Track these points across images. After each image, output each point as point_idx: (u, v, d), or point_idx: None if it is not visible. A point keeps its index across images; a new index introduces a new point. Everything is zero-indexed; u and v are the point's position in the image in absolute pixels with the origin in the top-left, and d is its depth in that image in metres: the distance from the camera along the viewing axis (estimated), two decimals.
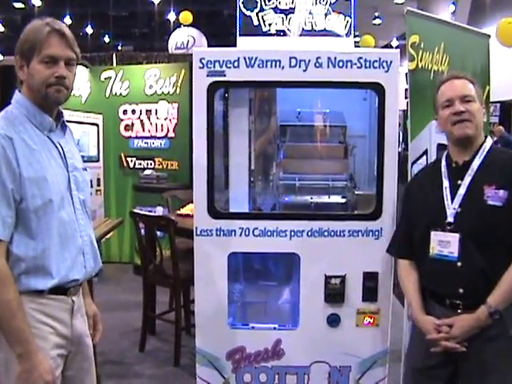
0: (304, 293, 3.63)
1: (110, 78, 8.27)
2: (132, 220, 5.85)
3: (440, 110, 3.08)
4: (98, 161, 8.33)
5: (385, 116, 3.60)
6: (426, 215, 3.08)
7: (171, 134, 8.13)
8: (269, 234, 3.65)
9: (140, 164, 8.25)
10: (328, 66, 3.58)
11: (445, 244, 2.93)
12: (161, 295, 6.20)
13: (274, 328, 3.68)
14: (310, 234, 3.64)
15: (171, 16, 18.40)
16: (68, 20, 18.30)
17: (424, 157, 3.90)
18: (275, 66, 3.57)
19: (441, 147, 3.90)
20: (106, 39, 21.74)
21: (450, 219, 2.96)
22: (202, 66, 3.59)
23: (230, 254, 3.58)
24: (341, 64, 3.58)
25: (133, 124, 8.24)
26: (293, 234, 3.64)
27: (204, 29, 16.01)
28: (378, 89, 3.59)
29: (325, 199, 4.10)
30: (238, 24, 3.79)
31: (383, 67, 3.58)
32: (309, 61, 3.57)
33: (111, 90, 8.27)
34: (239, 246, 3.61)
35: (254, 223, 3.57)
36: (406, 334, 3.60)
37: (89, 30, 20.29)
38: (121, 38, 22.19)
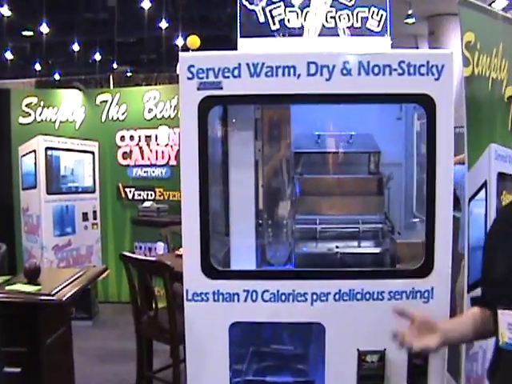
0: (330, 374, 2.80)
1: (106, 101, 7.52)
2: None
3: None
4: (93, 192, 7.56)
5: (436, 139, 2.59)
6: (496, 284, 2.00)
7: (173, 162, 7.35)
8: (283, 298, 2.74)
9: (139, 195, 7.45)
10: (359, 74, 2.63)
11: None
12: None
13: None
14: (337, 297, 2.72)
15: (179, 41, 17.53)
16: (76, 47, 17.55)
17: (482, 191, 2.86)
18: (289, 74, 2.64)
19: (503, 177, 2.88)
20: (114, 65, 20.99)
21: None
22: (191, 76, 2.64)
23: (232, 325, 2.78)
24: (376, 70, 2.61)
25: (131, 151, 7.51)
26: (315, 297, 2.74)
27: None
28: (427, 102, 2.62)
29: (354, 248, 3.06)
30: (238, 22, 2.78)
31: (432, 73, 2.64)
32: (333, 67, 2.61)
33: (107, 115, 7.52)
34: (244, 315, 2.78)
35: (263, 284, 2.77)
36: None
37: (97, 56, 19.48)
38: (129, 64, 21.43)
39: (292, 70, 2.61)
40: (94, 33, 18.55)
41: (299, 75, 2.62)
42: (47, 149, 7.01)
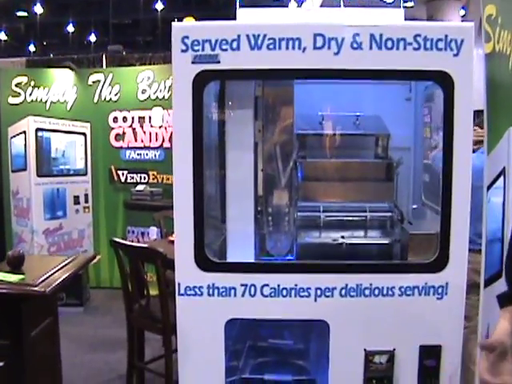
0: (335, 374, 2.55)
1: (98, 81, 7.22)
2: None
3: None
4: (85, 174, 7.28)
5: (454, 121, 2.32)
6: None
7: (167, 145, 7.02)
8: (284, 293, 2.48)
9: (132, 178, 7.16)
10: (370, 48, 2.35)
11: None
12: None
13: None
14: (343, 292, 2.46)
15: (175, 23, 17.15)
16: (71, 28, 17.21)
17: (501, 178, 2.59)
18: (293, 47, 2.36)
19: None
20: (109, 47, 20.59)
21: None
22: (184, 48, 2.36)
23: (228, 322, 2.52)
24: (389, 44, 2.34)
25: (124, 133, 7.20)
26: (319, 292, 2.49)
27: None
28: (444, 80, 2.35)
29: (361, 238, 2.79)
30: None
31: (451, 49, 2.37)
32: (342, 40, 2.34)
33: (100, 95, 7.23)
34: (241, 311, 2.53)
35: (262, 278, 2.51)
36: None
37: (92, 38, 19.09)
38: (125, 46, 21.04)
39: (297, 43, 2.34)
40: (89, 14, 18.20)
41: (304, 48, 2.34)
42: (38, 130, 6.75)
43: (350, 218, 2.86)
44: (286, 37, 2.33)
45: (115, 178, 7.35)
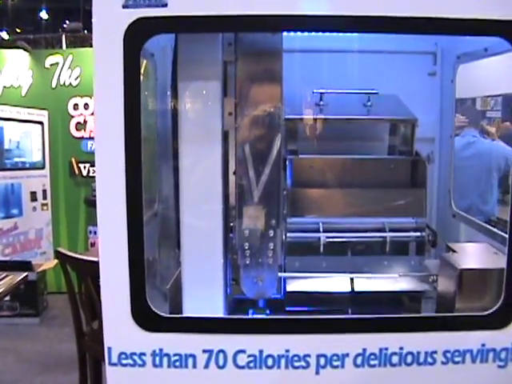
0: None
1: (56, 64, 6.50)
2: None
3: None
4: (43, 168, 6.50)
5: None
6: None
7: None
8: (270, 363, 1.57)
9: (95, 171, 6.14)
10: None
11: None
12: None
13: None
14: (359, 361, 1.55)
15: None
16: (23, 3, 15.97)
17: None
18: None
19: None
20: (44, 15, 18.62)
21: None
22: None
23: None
24: None
25: (85, 121, 6.52)
26: (322, 362, 1.57)
27: None
28: None
29: (379, 273, 1.87)
30: None
31: None
32: None
33: (58, 80, 6.51)
34: None
35: (235, 340, 1.60)
36: None
37: (43, 15, 17.49)
38: (86, 24, 19.43)
39: None
40: None
41: None
42: None
43: (362, 240, 1.94)
44: None
45: (76, 171, 6.69)
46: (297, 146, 2.02)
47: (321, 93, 2.05)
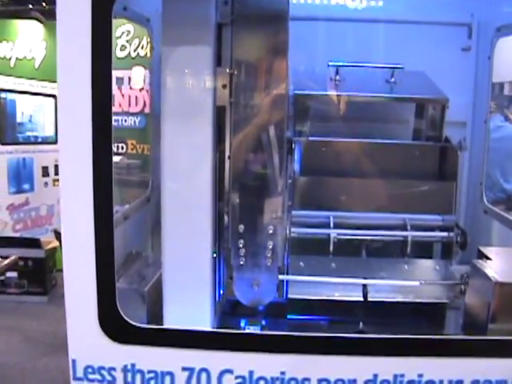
0: None
1: None
2: None
3: None
4: (55, 142, 6.31)
5: None
6: None
7: (148, 110, 5.95)
8: None
9: None
10: None
11: None
12: None
13: None
14: None
15: None
16: None
17: None
18: None
19: None
20: None
21: None
22: None
23: None
24: None
25: None
26: None
27: None
28: None
29: (398, 280, 1.58)
30: None
31: None
32: None
33: None
34: None
35: (220, 358, 1.33)
36: None
37: None
38: None
39: None
40: None
41: None
42: (0, 91, 5.93)
43: (378, 239, 1.64)
44: None
45: None
46: (306, 127, 1.73)
47: (337, 66, 1.75)
